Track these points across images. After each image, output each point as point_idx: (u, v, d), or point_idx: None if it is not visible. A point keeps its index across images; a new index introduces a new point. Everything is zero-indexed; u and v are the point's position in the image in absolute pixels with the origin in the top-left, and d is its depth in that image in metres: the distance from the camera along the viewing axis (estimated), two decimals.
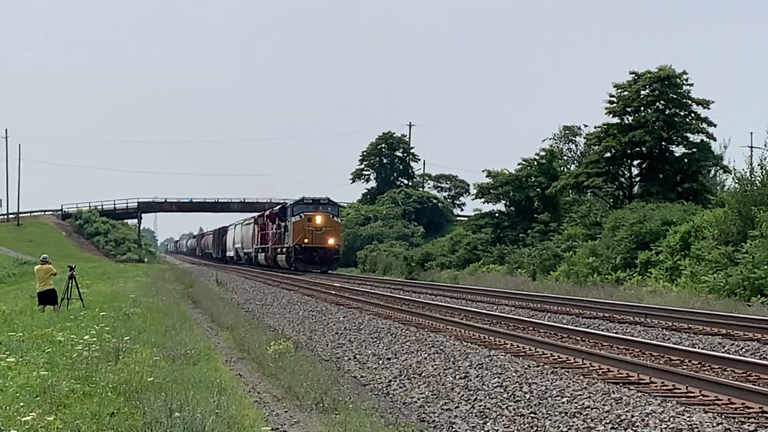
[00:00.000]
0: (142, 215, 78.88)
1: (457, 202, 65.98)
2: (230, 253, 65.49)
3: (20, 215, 73.96)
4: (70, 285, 18.13)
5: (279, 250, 47.87)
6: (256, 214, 56.35)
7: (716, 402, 6.99)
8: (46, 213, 77.82)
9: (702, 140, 33.21)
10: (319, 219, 43.71)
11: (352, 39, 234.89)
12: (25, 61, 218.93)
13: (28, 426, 5.63)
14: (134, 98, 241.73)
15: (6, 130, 75.91)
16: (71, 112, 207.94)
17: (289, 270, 44.13)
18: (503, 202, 41.72)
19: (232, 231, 64.85)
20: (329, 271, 43.62)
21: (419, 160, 66.71)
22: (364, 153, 65.27)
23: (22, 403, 6.39)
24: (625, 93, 33.28)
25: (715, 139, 34.13)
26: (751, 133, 47.64)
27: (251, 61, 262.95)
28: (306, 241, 43.12)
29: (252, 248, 55.43)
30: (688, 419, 6.36)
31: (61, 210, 77.11)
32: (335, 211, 47.00)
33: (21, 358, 8.73)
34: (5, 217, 75.15)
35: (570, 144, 49.55)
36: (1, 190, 75.87)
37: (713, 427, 6.17)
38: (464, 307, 19.23)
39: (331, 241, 43.93)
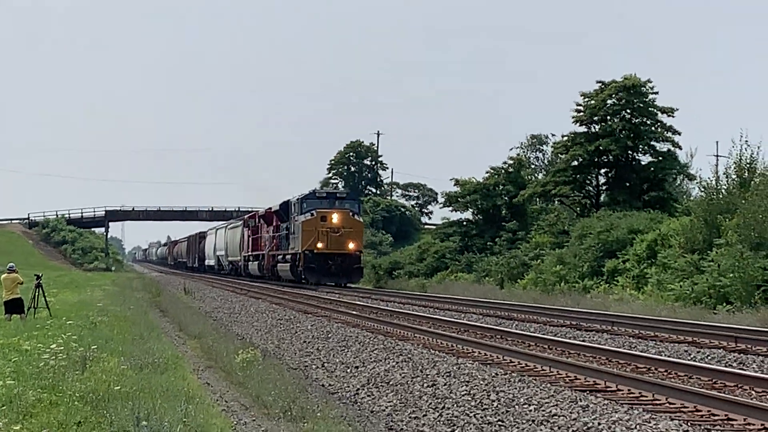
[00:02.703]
0: (110, 224, 78.04)
1: (425, 211, 65.83)
2: (210, 262, 59.47)
3: None
4: (36, 294, 17.92)
5: (280, 257, 39.27)
6: (245, 216, 49.08)
7: (682, 409, 7.14)
8: (13, 222, 77.01)
9: (668, 149, 33.47)
10: (336, 218, 34.35)
11: (319, 45, 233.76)
12: None
13: None
14: (102, 106, 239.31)
15: None
16: (38, 119, 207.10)
17: (297, 283, 36.40)
18: (471, 210, 41.54)
19: (213, 236, 58.20)
20: (350, 284, 35.11)
21: (387, 168, 66.29)
22: (332, 162, 65.07)
23: None
24: (592, 102, 33.43)
25: (680, 148, 34.57)
26: (717, 141, 48.38)
27: (218, 67, 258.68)
28: (320, 245, 33.98)
29: (240, 256, 48.03)
30: (654, 427, 6.49)
31: (28, 218, 76.36)
32: (356, 207, 37.19)
33: None
34: None
35: (537, 153, 49.51)
36: None
37: None
38: (432, 316, 19.12)
39: (351, 246, 34.48)
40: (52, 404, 6.84)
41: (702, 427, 6.54)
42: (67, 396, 7.01)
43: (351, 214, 35.53)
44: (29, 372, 8.37)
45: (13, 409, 6.60)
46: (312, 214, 34.56)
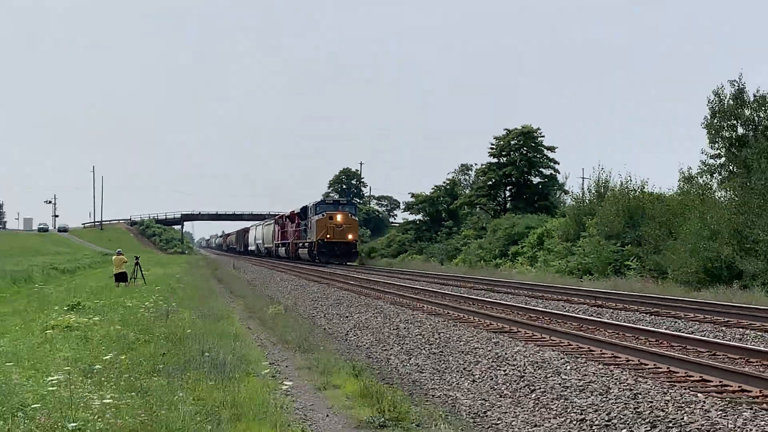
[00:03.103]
0: (184, 222, 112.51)
1: (392, 214, 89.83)
2: (251, 248, 79.29)
3: (102, 223, 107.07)
4: (135, 269, 25.02)
5: (301, 244, 53.44)
6: (276, 216, 66.85)
7: (560, 344, 10.48)
8: (120, 221, 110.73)
9: (551, 173, 47.84)
10: (339, 217, 47.75)
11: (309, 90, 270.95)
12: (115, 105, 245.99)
13: (107, 362, 8.79)
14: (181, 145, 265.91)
15: (93, 167, 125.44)
16: (139, 149, 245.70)
17: (312, 262, 48.82)
18: (422, 213, 57.62)
19: (254, 230, 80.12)
20: (348, 263, 48.06)
21: (366, 185, 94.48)
22: (330, 181, 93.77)
23: (104, 347, 9.75)
24: (501, 142, 47.47)
25: (559, 172, 48.08)
26: (583, 168, 70.09)
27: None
28: (328, 236, 47.15)
29: (272, 243, 65.16)
30: (542, 356, 9.79)
31: (130, 219, 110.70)
32: (353, 210, 51.69)
33: (103, 317, 12.30)
34: (93, 224, 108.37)
35: (465, 175, 69.70)
36: (89, 206, 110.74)
37: (558, 360, 9.60)
38: (396, 282, 26.50)
39: (350, 237, 48.02)
40: (146, 341, 10.34)
41: (573, 356, 9.83)
42: (156, 336, 10.51)
43: (350, 215, 49.38)
44: (131, 321, 12.02)
45: (120, 345, 10.09)
46: (323, 215, 47.97)
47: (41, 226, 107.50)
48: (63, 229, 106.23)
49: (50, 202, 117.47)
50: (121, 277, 23.74)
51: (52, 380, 7.16)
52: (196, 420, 6.16)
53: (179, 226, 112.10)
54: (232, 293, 22.58)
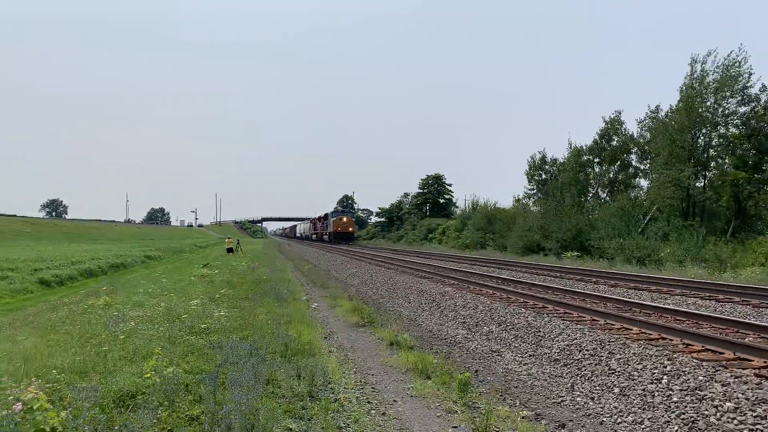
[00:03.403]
0: (263, 221, 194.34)
1: (370, 218, 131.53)
2: (298, 235, 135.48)
3: (220, 222, 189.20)
4: (237, 246, 48.33)
5: (324, 233, 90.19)
6: (311, 218, 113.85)
7: (454, 285, 18.64)
8: (229, 221, 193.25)
9: (450, 198, 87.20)
10: (345, 219, 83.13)
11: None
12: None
13: (222, 293, 17.51)
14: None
15: (216, 193, 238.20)
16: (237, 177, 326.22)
17: (329, 243, 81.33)
18: (384, 218, 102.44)
19: (299, 225, 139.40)
20: (349, 244, 78.09)
21: (356, 202, 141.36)
22: (338, 201, 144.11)
23: (220, 286, 18.64)
24: (424, 181, 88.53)
25: (454, 197, 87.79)
26: (464, 194, 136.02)
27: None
28: (339, 229, 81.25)
29: (309, 233, 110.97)
30: (444, 290, 18.02)
31: (235, 220, 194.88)
32: (352, 215, 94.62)
33: (220, 271, 21.48)
34: (216, 223, 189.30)
35: (406, 198, 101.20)
36: (213, 213, 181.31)
37: (453, 293, 17.76)
38: (371, 253, 43.74)
39: (350, 229, 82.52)
40: (242, 283, 19.16)
41: (460, 290, 18.01)
42: (248, 281, 19.37)
43: (351, 217, 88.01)
44: (235, 272, 21.11)
45: (229, 285, 18.94)
46: (336, 217, 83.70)
47: (188, 224, 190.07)
48: (200, 226, 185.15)
49: (194, 211, 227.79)
50: (229, 251, 44.22)
51: (193, 303, 15.30)
52: (267, 323, 12.03)
53: (260, 224, 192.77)
54: (286, 258, 34.72)
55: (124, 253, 40.03)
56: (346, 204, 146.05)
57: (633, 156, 44.69)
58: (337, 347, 10.63)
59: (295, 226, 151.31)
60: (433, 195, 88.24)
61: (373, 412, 6.84)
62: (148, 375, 7.02)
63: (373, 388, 7.91)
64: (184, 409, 6.21)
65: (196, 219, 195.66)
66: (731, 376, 7.51)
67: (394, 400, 7.40)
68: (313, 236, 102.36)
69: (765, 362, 8.12)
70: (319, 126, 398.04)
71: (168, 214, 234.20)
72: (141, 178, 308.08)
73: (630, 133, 44.55)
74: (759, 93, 33.13)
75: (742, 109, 33.50)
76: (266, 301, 15.27)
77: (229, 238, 49.41)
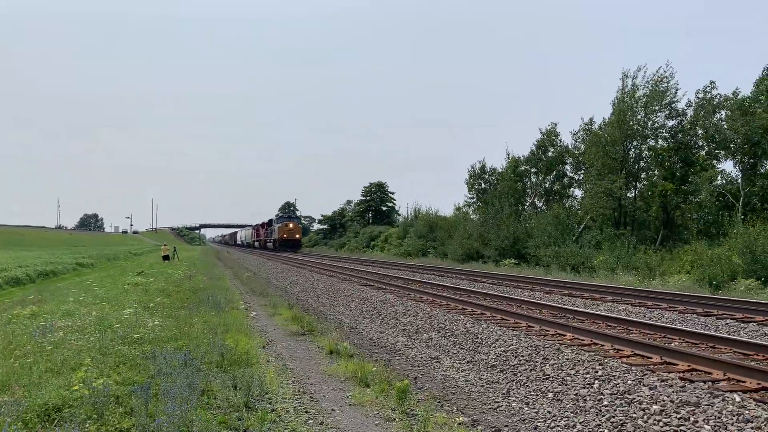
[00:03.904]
0: (201, 228, 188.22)
1: (312, 225, 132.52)
2: (239, 242, 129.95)
3: (156, 228, 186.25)
4: (174, 253, 45.61)
5: (268, 240, 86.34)
6: (252, 226, 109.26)
7: (395, 292, 18.78)
8: (166, 227, 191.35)
9: (392, 206, 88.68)
10: (291, 225, 78.07)
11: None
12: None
13: (157, 302, 17.11)
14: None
15: (152, 199, 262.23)
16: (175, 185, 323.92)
17: (273, 251, 77.82)
18: (327, 225, 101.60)
19: (240, 232, 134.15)
20: (296, 251, 76.13)
21: (299, 210, 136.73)
22: (279, 208, 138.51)
23: (155, 294, 18.17)
24: (367, 188, 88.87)
25: (397, 205, 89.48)
26: (407, 203, 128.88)
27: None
28: (285, 236, 76.66)
29: (250, 240, 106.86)
30: (385, 297, 18.09)
31: (172, 227, 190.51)
32: (298, 221, 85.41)
33: (155, 279, 20.88)
34: (152, 229, 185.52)
35: (349, 205, 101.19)
36: (149, 219, 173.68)
37: (394, 300, 17.85)
38: (314, 260, 43.13)
39: (297, 236, 78.40)
40: (177, 292, 18.73)
41: (401, 297, 18.14)
42: (184, 289, 18.95)
43: (297, 223, 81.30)
44: (171, 280, 20.58)
45: (164, 293, 18.49)
46: (281, 223, 78.65)
47: (123, 230, 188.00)
48: (135, 232, 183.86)
49: (128, 217, 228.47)
50: (165, 258, 42.44)
51: (126, 312, 14.94)
52: (203, 332, 11.33)
53: (198, 231, 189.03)
54: (226, 266, 34.15)
55: (54, 261, 38.46)
56: (287, 211, 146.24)
57: (568, 167, 46.07)
58: (276, 356, 10.50)
59: (235, 233, 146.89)
60: (376, 202, 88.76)
61: (310, 421, 6.78)
62: (77, 387, 6.76)
63: (311, 397, 7.85)
64: (113, 422, 6.00)
65: (131, 225, 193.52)
66: (658, 379, 7.80)
67: (333, 409, 7.35)
68: (256, 243, 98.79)
69: (689, 366, 8.47)
70: (264, 134, 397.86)
71: (102, 220, 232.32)
72: (73, 183, 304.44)
73: (565, 144, 45.93)
74: (685, 108, 34.74)
75: (670, 123, 35.06)
76: (203, 310, 14.96)
77: (165, 245, 47.72)
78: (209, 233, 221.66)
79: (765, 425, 6.15)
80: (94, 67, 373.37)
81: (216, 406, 6.88)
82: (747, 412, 6.50)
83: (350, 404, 7.60)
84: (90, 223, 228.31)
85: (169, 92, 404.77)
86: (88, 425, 5.87)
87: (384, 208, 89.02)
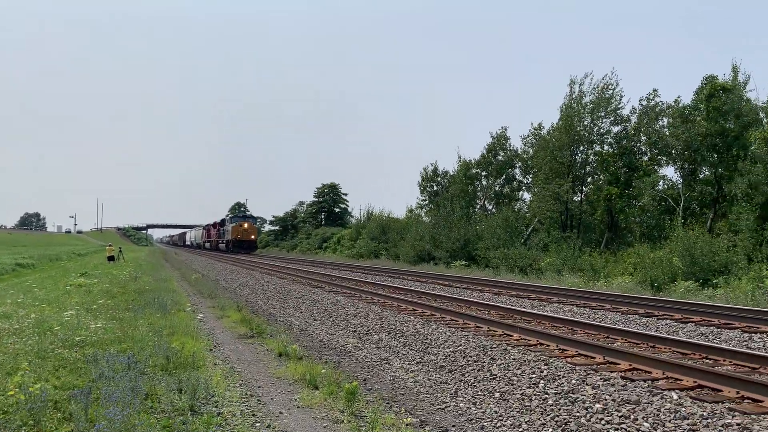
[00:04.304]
0: (148, 228, 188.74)
1: (263, 226, 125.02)
2: (188, 243, 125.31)
3: (102, 228, 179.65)
4: (119, 254, 45.42)
5: (220, 241, 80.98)
6: (204, 225, 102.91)
7: (346, 293, 18.76)
8: (111, 228, 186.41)
9: (345, 207, 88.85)
10: (246, 225, 73.42)
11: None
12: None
13: (100, 304, 16.65)
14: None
15: (98, 198, 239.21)
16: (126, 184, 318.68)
17: (226, 252, 73.61)
18: (279, 226, 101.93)
19: (189, 233, 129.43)
20: (251, 253, 71.58)
21: (249, 210, 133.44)
22: (230, 209, 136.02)
23: (99, 296, 17.67)
24: (320, 190, 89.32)
25: (350, 207, 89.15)
26: (360, 204, 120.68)
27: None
28: (239, 236, 72.08)
29: (201, 241, 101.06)
30: (336, 299, 18.04)
31: (118, 227, 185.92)
32: (254, 221, 79.52)
33: (99, 280, 20.25)
34: (97, 229, 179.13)
35: (301, 206, 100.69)
36: (95, 218, 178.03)
37: (344, 301, 17.81)
38: (265, 261, 43.11)
39: (252, 237, 73.59)
40: (122, 293, 18.26)
41: (352, 299, 18.12)
42: (129, 290, 18.47)
43: (253, 223, 76.63)
44: (115, 281, 20.01)
45: (108, 295, 18.00)
46: (235, 223, 74.02)
47: (67, 230, 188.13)
48: (79, 232, 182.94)
49: (72, 216, 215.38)
50: (110, 259, 41.51)
51: (67, 314, 14.46)
52: (148, 335, 11.06)
53: (145, 231, 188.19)
54: (173, 267, 33.55)
55: None
56: (239, 212, 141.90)
57: (517, 170, 46.88)
58: (223, 359, 10.34)
59: (184, 233, 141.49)
60: (329, 204, 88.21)
61: (257, 424, 6.70)
62: (12, 392, 6.51)
63: (258, 400, 7.75)
64: (50, 428, 5.80)
65: (76, 225, 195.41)
66: (600, 378, 8.01)
67: (281, 412, 7.28)
68: (207, 244, 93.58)
69: (631, 365, 8.72)
70: (214, 133, 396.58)
71: (44, 219, 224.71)
72: (12, 181, 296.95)
73: (515, 148, 46.73)
74: (630, 114, 35.80)
75: (615, 129, 36.07)
76: (148, 312, 14.64)
77: (110, 245, 45.82)
78: (157, 234, 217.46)
79: (700, 422, 6.38)
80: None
81: (160, 410, 6.72)
82: (684, 409, 6.73)
83: (298, 407, 7.54)
84: (31, 222, 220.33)
85: (107, 93, 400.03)
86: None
87: (337, 210, 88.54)
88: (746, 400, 7.04)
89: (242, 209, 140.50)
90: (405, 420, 7.10)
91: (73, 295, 17.64)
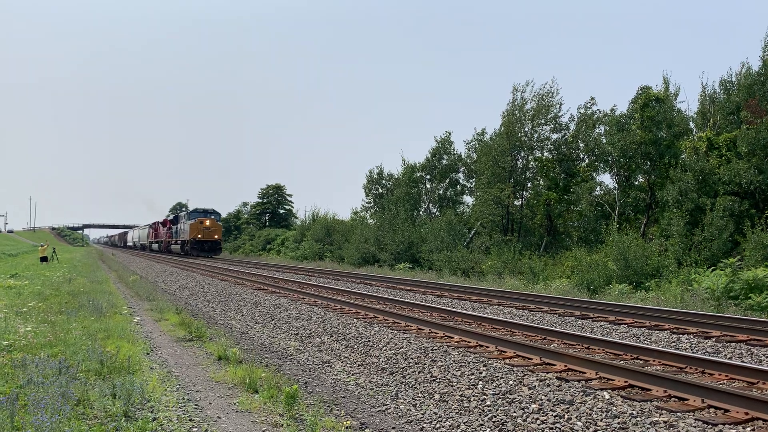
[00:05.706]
0: (84, 228, 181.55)
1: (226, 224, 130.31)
2: (130, 244, 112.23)
3: (35, 228, 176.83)
4: (53, 254, 43.02)
5: (173, 242, 67.98)
6: (149, 224, 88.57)
7: (289, 296, 18.64)
8: (46, 227, 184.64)
9: (289, 208, 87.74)
10: (208, 222, 61.01)
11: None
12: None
13: (31, 306, 16.04)
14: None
15: (31, 196, 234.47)
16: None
17: (183, 256, 62.05)
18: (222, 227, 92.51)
19: (131, 232, 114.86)
20: (214, 256, 62.14)
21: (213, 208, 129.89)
22: (170, 209, 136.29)
23: (30, 298, 16.96)
24: (264, 191, 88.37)
25: (295, 208, 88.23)
26: (305, 205, 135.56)
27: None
28: (200, 236, 60.19)
29: (147, 241, 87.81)
30: (279, 301, 17.87)
31: (52, 226, 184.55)
32: (218, 217, 65.42)
33: (31, 281, 19.42)
34: (29, 228, 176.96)
35: (245, 207, 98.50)
36: (27, 218, 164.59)
37: (287, 304, 17.66)
38: (204, 263, 41.77)
39: (216, 236, 61.32)
40: (55, 295, 17.60)
41: (294, 302, 18.00)
42: (62, 292, 17.80)
43: (216, 220, 63.21)
44: (47, 283, 19.24)
45: (40, 297, 17.31)
46: (195, 220, 61.14)
47: None
48: (10, 231, 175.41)
49: (3, 215, 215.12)
50: (43, 260, 39.78)
51: None
52: (82, 338, 10.72)
53: (81, 231, 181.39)
54: (110, 268, 32.40)
55: None
56: (180, 211, 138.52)
57: (461, 174, 47.55)
58: (160, 363, 10.10)
59: (125, 233, 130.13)
60: (273, 205, 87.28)
61: (194, 429, 6.58)
62: None
63: (196, 404, 7.61)
64: None
65: (6, 224, 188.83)
66: (537, 379, 8.21)
67: (219, 417, 7.17)
68: (155, 245, 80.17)
69: (566, 366, 8.97)
70: (157, 131, 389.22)
71: None
72: None
73: (459, 153, 47.39)
74: (568, 122, 36.83)
75: (555, 136, 37.04)
76: (82, 315, 14.19)
77: (43, 245, 43.87)
78: (94, 234, 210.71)
79: (630, 420, 6.62)
80: None
81: (92, 416, 6.52)
82: (615, 408, 6.97)
83: (237, 411, 7.44)
84: None
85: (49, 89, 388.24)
86: None
87: (281, 211, 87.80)
88: (673, 399, 7.35)
89: (183, 210, 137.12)
90: (345, 423, 7.10)
91: (1, 298, 16.89)
